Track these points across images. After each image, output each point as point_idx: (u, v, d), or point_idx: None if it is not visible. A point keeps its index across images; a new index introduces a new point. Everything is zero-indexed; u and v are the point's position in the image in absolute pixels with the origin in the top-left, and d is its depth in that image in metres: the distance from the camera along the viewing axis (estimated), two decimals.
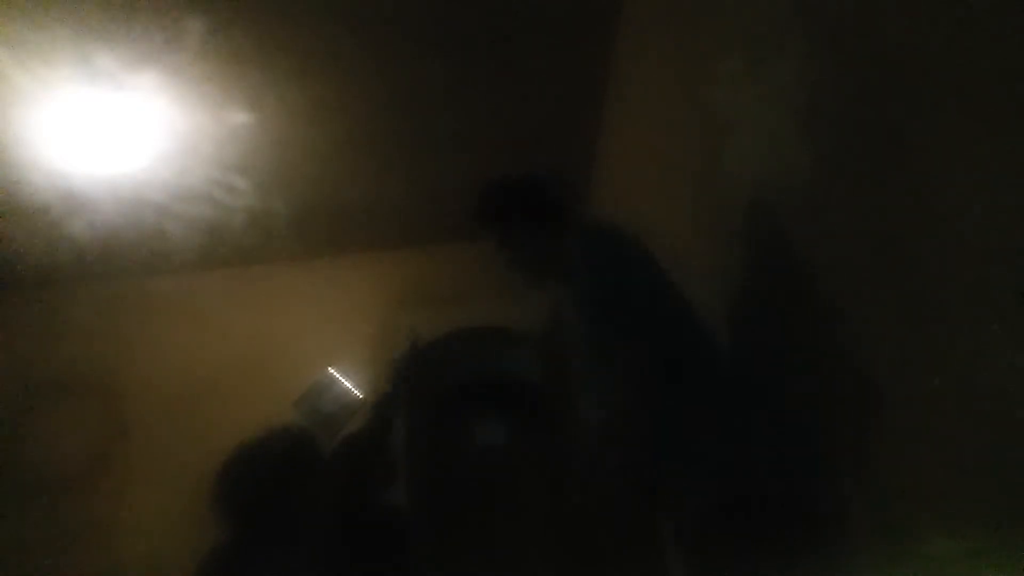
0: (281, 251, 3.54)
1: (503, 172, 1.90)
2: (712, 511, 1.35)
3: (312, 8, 2.09)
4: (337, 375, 2.24)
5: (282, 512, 1.65)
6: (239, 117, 2.48)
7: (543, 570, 1.80)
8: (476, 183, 3.23)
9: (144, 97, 2.33)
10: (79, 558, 3.24)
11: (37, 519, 3.29)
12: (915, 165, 0.76)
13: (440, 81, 2.53)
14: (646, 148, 2.15)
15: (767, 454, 1.29)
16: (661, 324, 1.51)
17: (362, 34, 2.23)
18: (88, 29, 2.00)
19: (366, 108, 2.62)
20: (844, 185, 0.93)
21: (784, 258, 1.17)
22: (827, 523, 1.06)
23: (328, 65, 2.35)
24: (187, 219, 2.94)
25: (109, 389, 3.58)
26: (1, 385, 3.48)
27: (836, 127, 0.94)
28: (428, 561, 1.88)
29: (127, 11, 1.96)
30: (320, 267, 3.80)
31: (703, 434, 1.40)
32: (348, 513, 1.75)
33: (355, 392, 2.18)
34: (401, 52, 2.34)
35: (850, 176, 0.91)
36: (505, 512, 1.91)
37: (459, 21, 2.23)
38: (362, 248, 3.81)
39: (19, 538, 3.22)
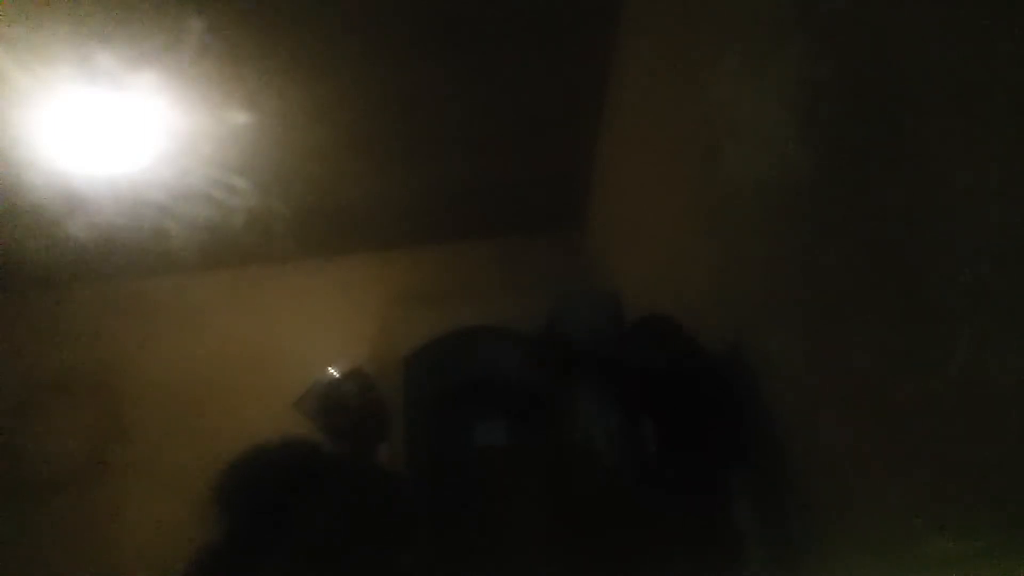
0: (281, 251, 3.55)
1: None
2: (709, 512, 1.35)
3: (312, 8, 2.09)
4: (337, 375, 2.23)
5: (283, 517, 1.65)
6: (239, 117, 2.48)
7: (543, 571, 1.80)
8: (475, 183, 3.24)
9: (144, 97, 2.33)
10: (79, 558, 3.24)
11: (37, 519, 3.29)
12: (915, 164, 0.76)
13: (440, 81, 2.53)
14: (646, 148, 2.15)
15: (765, 457, 1.29)
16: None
17: (362, 34, 2.23)
18: (88, 29, 2.00)
19: (366, 108, 2.62)
20: (844, 185, 0.93)
21: (783, 258, 1.17)
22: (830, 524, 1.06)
23: (328, 65, 2.35)
24: (187, 219, 2.94)
25: (109, 389, 3.59)
26: (1, 385, 3.48)
27: (836, 127, 0.94)
28: (426, 562, 1.88)
29: (127, 11, 1.96)
30: (320, 267, 3.81)
31: (700, 436, 1.40)
32: (347, 516, 1.75)
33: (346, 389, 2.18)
34: (401, 52, 2.34)
35: (850, 176, 0.91)
36: (504, 513, 1.91)
37: (459, 21, 2.23)
38: (362, 248, 3.82)
39: (19, 538, 3.22)
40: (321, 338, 3.57)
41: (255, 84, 2.36)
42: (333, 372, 2.21)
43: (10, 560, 3.17)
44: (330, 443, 1.95)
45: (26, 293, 3.60)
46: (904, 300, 0.80)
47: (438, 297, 3.70)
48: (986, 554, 0.69)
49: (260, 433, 1.83)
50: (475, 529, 1.90)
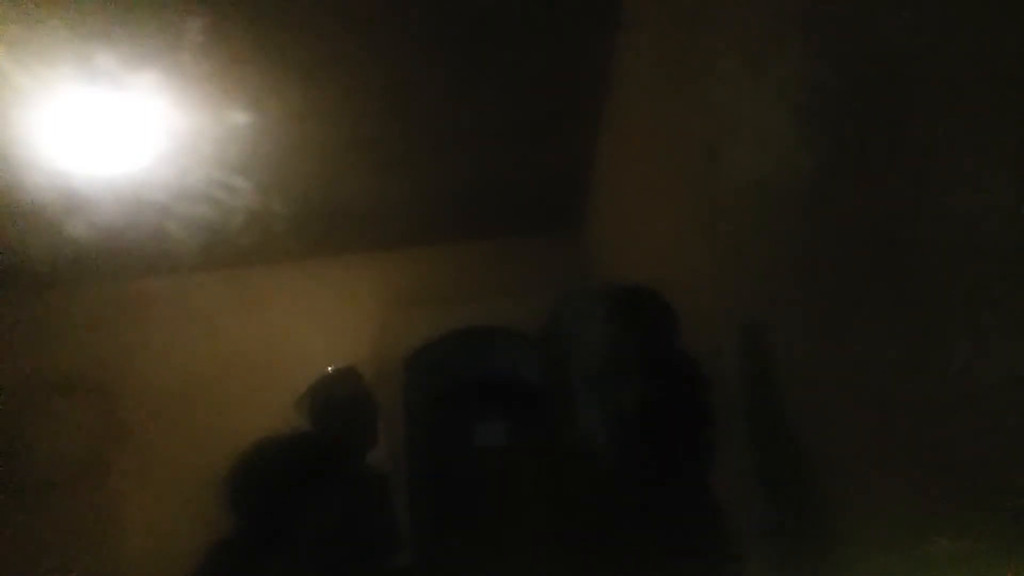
0: (281, 251, 3.55)
1: None
2: (709, 511, 1.35)
3: (312, 8, 2.09)
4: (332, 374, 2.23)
5: (291, 510, 1.66)
6: (239, 117, 2.48)
7: (543, 570, 1.80)
8: (475, 183, 3.24)
9: (144, 97, 2.33)
10: (79, 558, 3.25)
11: (37, 519, 3.29)
12: (915, 165, 0.76)
13: (440, 81, 2.53)
14: (646, 148, 2.15)
15: (764, 457, 1.29)
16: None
17: (362, 34, 2.23)
18: (88, 29, 2.00)
19: (366, 108, 2.62)
20: (844, 185, 0.93)
21: (783, 258, 1.17)
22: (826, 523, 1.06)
23: (328, 65, 2.35)
24: (187, 219, 2.94)
25: (109, 389, 3.59)
26: (1, 385, 3.48)
27: (836, 127, 0.94)
28: (428, 560, 1.88)
29: (127, 11, 1.96)
30: (320, 267, 3.81)
31: (700, 438, 1.40)
32: (347, 514, 1.75)
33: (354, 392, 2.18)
34: (401, 52, 2.34)
35: (850, 176, 0.91)
36: (504, 513, 1.92)
37: (459, 21, 2.23)
38: (362, 248, 3.82)
39: (19, 538, 3.22)
40: (321, 338, 3.58)
41: (255, 84, 2.36)
42: (332, 372, 2.21)
43: (10, 560, 3.18)
44: (331, 442, 1.95)
45: (26, 293, 3.60)
46: (904, 300, 0.80)
47: (438, 297, 3.70)
48: (986, 554, 0.69)
49: (260, 433, 1.83)
50: (475, 529, 1.90)
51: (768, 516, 1.29)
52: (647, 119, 2.11)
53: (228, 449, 1.77)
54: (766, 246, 1.24)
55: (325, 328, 3.65)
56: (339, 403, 1.96)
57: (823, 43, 0.96)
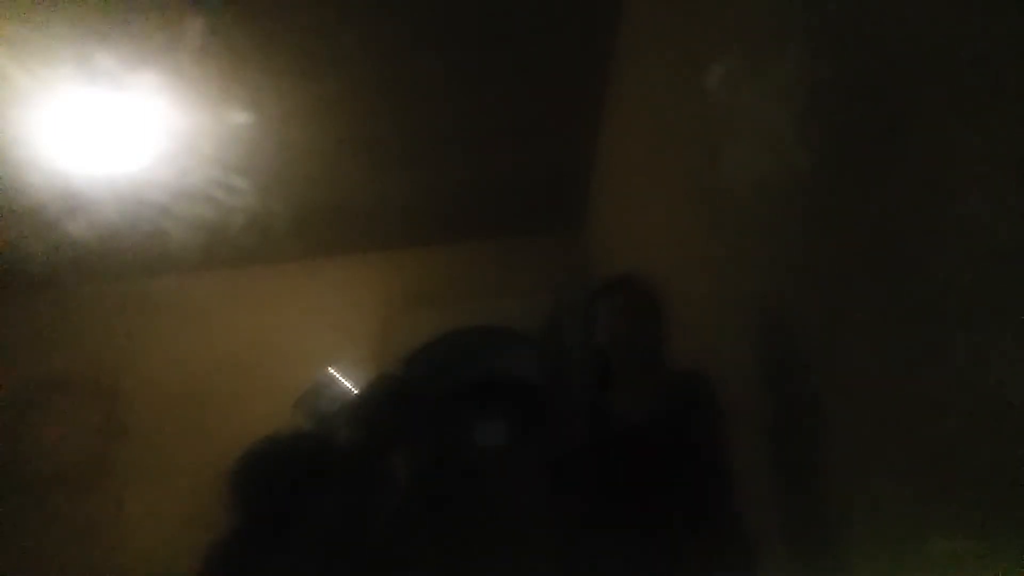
0: (281, 251, 3.54)
1: None
2: (709, 508, 1.35)
3: (312, 8, 2.09)
4: (337, 375, 2.24)
5: (291, 511, 1.66)
6: (239, 117, 2.48)
7: (543, 570, 1.80)
8: (475, 183, 3.25)
9: (144, 97, 2.33)
10: (79, 558, 3.24)
11: (37, 519, 3.29)
12: (914, 164, 0.76)
13: (440, 81, 2.53)
14: (646, 148, 2.15)
15: (764, 458, 1.29)
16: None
17: (362, 34, 2.23)
18: (88, 29, 2.00)
19: (366, 108, 2.62)
20: (844, 185, 0.93)
21: (783, 257, 1.17)
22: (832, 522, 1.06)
23: (328, 65, 2.35)
24: (187, 219, 2.94)
25: (109, 389, 3.58)
26: (1, 385, 3.48)
27: (836, 127, 0.94)
28: (428, 559, 1.88)
29: (127, 11, 1.96)
30: (320, 267, 3.81)
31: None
32: (352, 514, 1.75)
33: (355, 392, 2.18)
34: (401, 52, 2.34)
35: (850, 176, 0.91)
36: (504, 513, 1.92)
37: (460, 21, 2.23)
38: (362, 248, 3.81)
39: (20, 537, 3.22)
40: (321, 338, 3.58)
41: (255, 84, 2.36)
42: (333, 372, 2.21)
43: (10, 559, 3.17)
44: (333, 442, 1.96)
45: (26, 293, 3.60)
46: (904, 300, 0.80)
47: (438, 297, 3.70)
48: (986, 554, 0.69)
49: (260, 433, 1.83)
50: (475, 529, 1.90)
51: (769, 516, 1.29)
52: (647, 119, 2.11)
53: (228, 449, 1.77)
54: (767, 246, 1.24)
55: (325, 328, 3.65)
56: (373, 408, 1.97)
57: (823, 43, 0.96)
